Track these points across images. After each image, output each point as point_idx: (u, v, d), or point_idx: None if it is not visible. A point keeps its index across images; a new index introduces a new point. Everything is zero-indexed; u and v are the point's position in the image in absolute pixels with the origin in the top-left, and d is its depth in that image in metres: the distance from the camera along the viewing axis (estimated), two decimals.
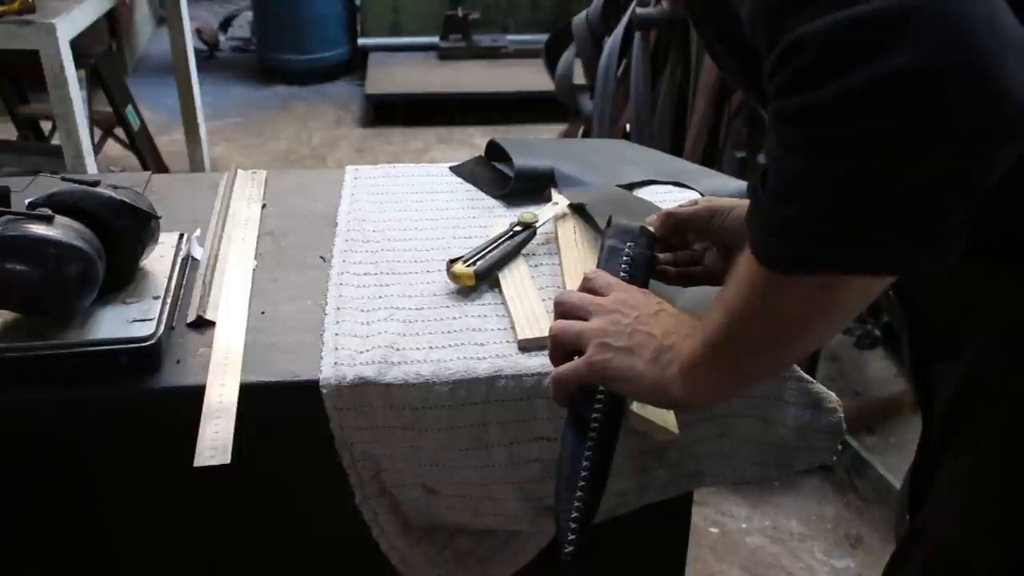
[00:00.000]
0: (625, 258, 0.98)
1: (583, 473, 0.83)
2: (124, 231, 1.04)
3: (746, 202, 1.01)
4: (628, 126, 2.43)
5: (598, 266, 0.98)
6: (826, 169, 0.60)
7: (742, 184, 1.37)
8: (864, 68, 0.56)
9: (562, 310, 0.88)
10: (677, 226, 1.04)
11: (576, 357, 0.84)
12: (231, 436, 0.93)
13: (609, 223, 1.05)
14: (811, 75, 0.59)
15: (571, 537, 0.82)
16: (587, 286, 0.89)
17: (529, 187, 1.32)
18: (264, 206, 1.32)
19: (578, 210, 1.25)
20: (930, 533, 0.83)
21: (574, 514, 0.82)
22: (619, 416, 0.87)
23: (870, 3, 0.57)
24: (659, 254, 1.04)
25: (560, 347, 0.86)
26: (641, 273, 0.97)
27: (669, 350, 0.79)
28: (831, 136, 0.59)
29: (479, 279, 1.11)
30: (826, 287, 0.65)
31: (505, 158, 1.37)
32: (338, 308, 1.08)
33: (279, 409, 1.01)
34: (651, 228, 1.03)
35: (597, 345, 0.81)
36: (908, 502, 0.89)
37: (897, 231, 0.61)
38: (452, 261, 1.13)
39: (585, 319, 0.84)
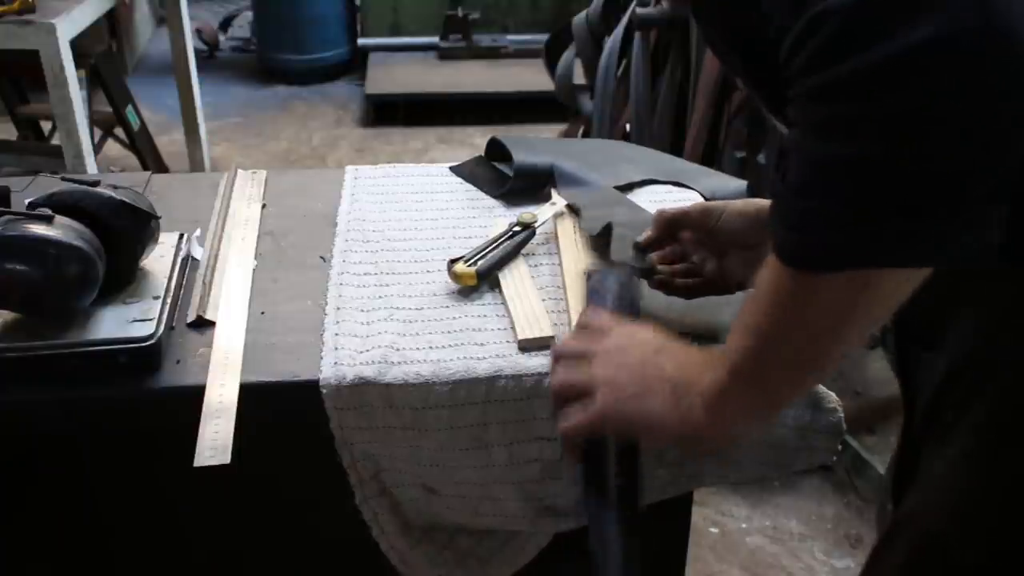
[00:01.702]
0: (611, 295, 0.94)
1: (619, 546, 0.77)
2: (124, 231, 1.04)
3: (738, 201, 1.02)
4: (628, 126, 2.43)
5: (586, 305, 0.95)
6: (851, 149, 0.58)
7: (742, 184, 1.37)
8: (888, 41, 0.55)
9: (562, 360, 0.82)
10: (669, 224, 1.02)
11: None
12: (231, 436, 0.93)
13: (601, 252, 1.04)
14: (834, 50, 0.57)
15: None
16: (583, 330, 0.85)
17: (529, 185, 1.32)
18: (264, 206, 1.32)
19: (577, 211, 1.25)
20: (914, 524, 0.82)
21: None
22: (637, 468, 0.81)
23: None
24: (658, 266, 1.03)
25: (564, 402, 0.80)
26: (629, 306, 0.94)
27: (688, 387, 0.74)
28: (856, 111, 0.57)
29: (480, 279, 1.11)
30: (856, 287, 0.62)
31: (505, 158, 1.37)
32: (338, 308, 1.08)
33: (279, 409, 1.01)
34: (641, 240, 1.03)
35: (607, 394, 0.76)
36: (891, 491, 0.88)
37: (931, 216, 0.58)
38: (453, 261, 1.13)
39: (587, 366, 0.79)
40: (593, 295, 0.96)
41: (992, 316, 0.74)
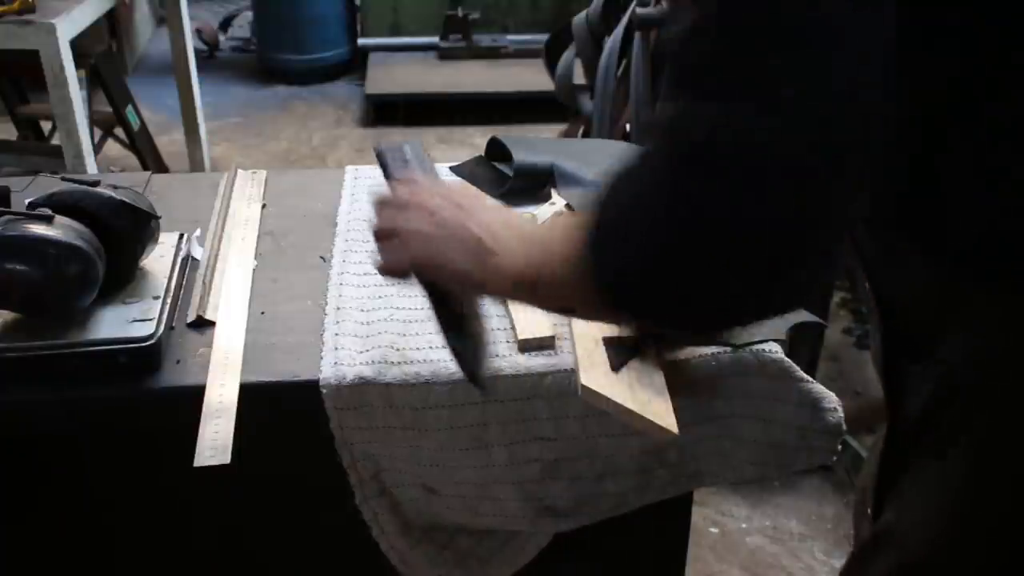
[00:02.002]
0: (414, 159, 0.99)
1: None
2: (124, 231, 1.04)
3: None
4: (628, 126, 2.43)
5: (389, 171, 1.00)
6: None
7: None
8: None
9: (382, 208, 0.88)
10: None
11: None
12: (231, 436, 0.93)
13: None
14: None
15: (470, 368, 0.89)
16: (400, 185, 0.91)
17: (529, 185, 1.32)
18: (264, 206, 1.32)
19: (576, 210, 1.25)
20: (896, 539, 0.80)
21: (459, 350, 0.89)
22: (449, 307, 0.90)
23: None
24: None
25: (381, 244, 0.86)
26: (431, 168, 1.03)
27: (493, 256, 0.78)
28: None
29: None
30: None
31: (505, 158, 1.37)
32: (338, 308, 1.08)
33: (279, 409, 1.01)
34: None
35: (415, 239, 0.82)
36: (872, 498, 0.87)
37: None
38: None
39: (403, 215, 0.84)
40: (394, 162, 1.03)
41: (986, 341, 0.71)
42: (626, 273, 0.65)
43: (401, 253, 0.83)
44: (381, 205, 0.88)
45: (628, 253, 0.64)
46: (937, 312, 0.73)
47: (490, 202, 0.86)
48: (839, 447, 1.06)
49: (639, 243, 0.64)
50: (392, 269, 0.85)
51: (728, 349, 1.02)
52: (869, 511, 0.86)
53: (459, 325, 0.89)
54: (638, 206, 0.64)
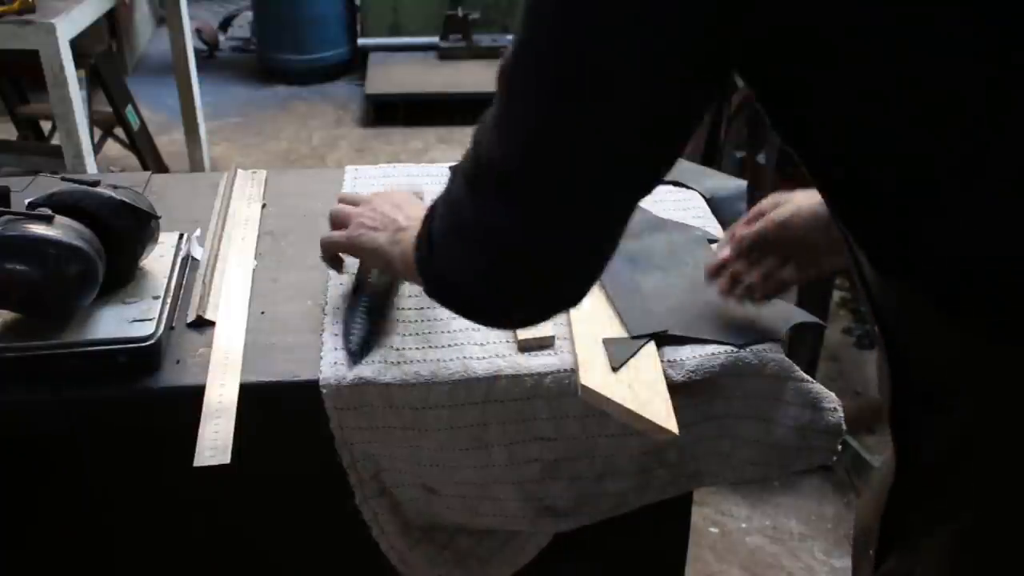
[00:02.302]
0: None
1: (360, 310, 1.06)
2: (124, 231, 1.04)
3: (810, 203, 1.01)
4: None
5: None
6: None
7: (742, 184, 1.37)
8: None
9: (341, 202, 1.10)
10: (749, 249, 1.05)
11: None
12: (231, 436, 0.93)
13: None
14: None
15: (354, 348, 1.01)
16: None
17: None
18: (264, 206, 1.32)
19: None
20: None
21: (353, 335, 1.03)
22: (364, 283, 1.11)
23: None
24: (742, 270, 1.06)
25: (331, 225, 1.08)
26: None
27: (403, 232, 0.95)
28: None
29: None
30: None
31: None
32: (338, 308, 1.08)
33: (279, 409, 1.01)
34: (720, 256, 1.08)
35: (355, 226, 1.02)
36: (877, 541, 0.81)
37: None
38: None
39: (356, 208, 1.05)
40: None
41: (1000, 396, 0.67)
42: (430, 276, 0.79)
43: (340, 234, 1.04)
44: (341, 201, 1.09)
45: (431, 263, 0.77)
46: (952, 365, 0.69)
47: (418, 203, 1.02)
48: (839, 447, 1.06)
49: (440, 255, 0.76)
50: (329, 244, 1.07)
51: (728, 349, 1.02)
52: (872, 553, 0.83)
53: (366, 306, 1.07)
54: (443, 223, 0.75)
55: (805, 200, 1.02)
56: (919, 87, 0.60)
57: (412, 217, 0.96)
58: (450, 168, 0.77)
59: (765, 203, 1.08)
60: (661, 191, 1.34)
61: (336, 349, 1.02)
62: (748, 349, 1.02)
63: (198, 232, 1.22)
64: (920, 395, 0.73)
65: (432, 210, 0.77)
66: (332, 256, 1.09)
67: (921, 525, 0.76)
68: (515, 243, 0.70)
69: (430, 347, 1.02)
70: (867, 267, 0.70)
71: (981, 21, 0.57)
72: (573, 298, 0.76)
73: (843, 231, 0.71)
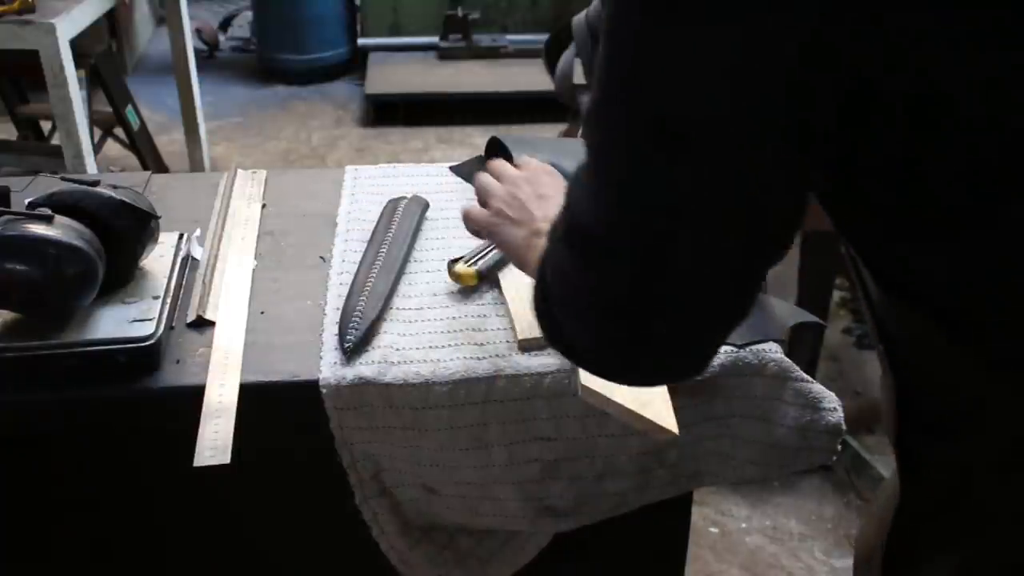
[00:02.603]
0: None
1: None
2: (124, 231, 1.04)
3: None
4: None
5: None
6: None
7: None
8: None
9: (495, 174, 1.05)
10: None
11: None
12: (231, 436, 0.93)
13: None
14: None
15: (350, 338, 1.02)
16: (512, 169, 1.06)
17: None
18: (264, 206, 1.32)
19: None
20: None
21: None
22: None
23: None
24: None
25: (476, 194, 1.05)
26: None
27: (537, 238, 0.90)
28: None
29: (480, 278, 1.11)
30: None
31: (505, 158, 1.37)
32: (338, 308, 1.08)
33: (279, 409, 1.01)
34: None
35: (495, 214, 0.99)
36: (880, 563, 0.79)
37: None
38: (453, 261, 1.13)
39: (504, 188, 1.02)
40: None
41: (1010, 432, 0.66)
42: (552, 337, 0.74)
43: (482, 215, 1.02)
44: (495, 169, 1.06)
45: (552, 326, 0.72)
46: (956, 390, 0.68)
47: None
48: (839, 447, 1.06)
49: (561, 323, 0.71)
50: (470, 220, 1.04)
51: (728, 349, 1.02)
52: None
53: (364, 305, 1.07)
54: (556, 290, 0.71)
55: None
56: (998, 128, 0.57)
57: (549, 219, 0.87)
58: (552, 232, 0.72)
59: None
60: None
61: (336, 349, 1.02)
62: (748, 349, 1.02)
63: (198, 232, 1.22)
64: (924, 418, 0.72)
65: (543, 269, 0.72)
66: (474, 232, 1.06)
67: (923, 550, 0.75)
68: (629, 309, 0.65)
69: (430, 347, 1.02)
70: (871, 285, 0.69)
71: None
72: (692, 370, 0.71)
73: (848, 249, 0.70)
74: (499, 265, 1.14)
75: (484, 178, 1.05)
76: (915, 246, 0.63)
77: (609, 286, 0.64)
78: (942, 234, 0.61)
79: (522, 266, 0.96)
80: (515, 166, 1.07)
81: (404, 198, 1.28)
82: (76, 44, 2.60)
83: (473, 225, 1.04)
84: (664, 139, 0.59)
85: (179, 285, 1.12)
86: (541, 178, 1.01)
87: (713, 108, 0.57)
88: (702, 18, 0.56)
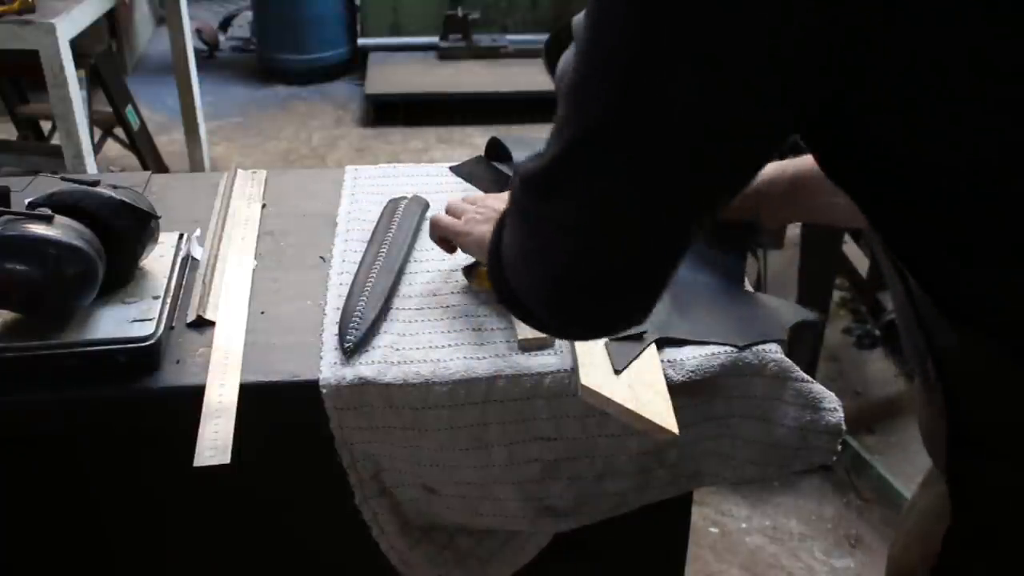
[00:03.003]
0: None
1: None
2: (124, 231, 1.04)
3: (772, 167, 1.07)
4: None
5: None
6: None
7: None
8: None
9: (462, 201, 1.12)
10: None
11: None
12: (231, 436, 0.93)
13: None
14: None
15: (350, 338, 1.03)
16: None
17: None
18: (264, 206, 1.32)
19: None
20: None
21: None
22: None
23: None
24: None
25: (446, 211, 1.12)
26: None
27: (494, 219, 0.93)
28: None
29: None
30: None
31: (505, 158, 1.37)
32: (338, 308, 1.08)
33: (279, 409, 1.01)
34: None
35: (466, 219, 1.06)
36: None
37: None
38: (470, 267, 1.12)
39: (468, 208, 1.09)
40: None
41: None
42: (505, 299, 0.78)
43: (451, 221, 1.08)
44: (454, 203, 1.12)
45: (504, 286, 0.76)
46: (1016, 412, 0.67)
47: None
48: (839, 447, 1.06)
49: (511, 280, 0.75)
50: (437, 226, 1.10)
51: (728, 349, 1.02)
52: None
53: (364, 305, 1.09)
54: (509, 253, 0.75)
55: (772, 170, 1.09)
56: None
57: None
58: (514, 172, 0.78)
59: None
60: None
61: (336, 349, 1.02)
62: (748, 349, 1.02)
63: (198, 232, 1.22)
64: (981, 441, 0.70)
65: (502, 218, 0.76)
66: (440, 238, 1.11)
67: (976, 574, 0.74)
68: (573, 255, 0.68)
69: (430, 347, 1.02)
70: (925, 306, 0.68)
71: None
72: (636, 315, 0.74)
73: (903, 271, 0.69)
74: None
75: (453, 200, 1.12)
76: (987, 272, 0.63)
77: (564, 223, 0.67)
78: (1014, 260, 0.61)
79: (479, 245, 1.00)
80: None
81: (404, 198, 1.28)
82: (76, 44, 2.60)
83: (439, 229, 1.09)
84: (648, 75, 0.59)
85: (179, 285, 1.12)
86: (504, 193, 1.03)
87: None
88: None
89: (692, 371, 1.00)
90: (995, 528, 0.72)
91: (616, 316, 0.74)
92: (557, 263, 0.69)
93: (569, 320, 0.75)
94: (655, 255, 0.68)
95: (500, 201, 1.02)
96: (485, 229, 0.97)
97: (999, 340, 0.65)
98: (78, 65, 2.63)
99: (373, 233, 1.21)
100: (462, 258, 1.18)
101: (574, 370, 0.98)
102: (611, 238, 0.66)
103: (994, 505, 0.71)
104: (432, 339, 1.04)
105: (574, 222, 0.67)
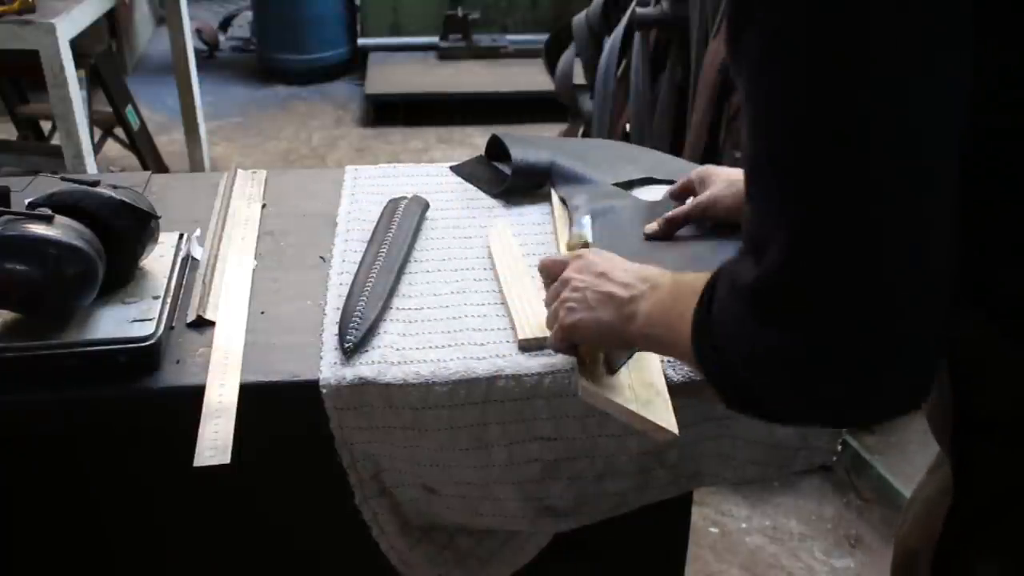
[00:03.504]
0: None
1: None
2: (124, 231, 1.04)
3: (732, 180, 1.13)
4: (628, 126, 2.43)
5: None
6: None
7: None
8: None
9: (546, 275, 1.00)
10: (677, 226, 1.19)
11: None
12: (231, 436, 0.93)
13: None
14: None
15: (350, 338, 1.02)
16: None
17: (527, 183, 1.33)
18: (264, 206, 1.32)
19: (568, 204, 1.27)
20: None
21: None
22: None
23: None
24: None
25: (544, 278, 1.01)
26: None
27: (630, 305, 0.86)
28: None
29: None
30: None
31: (506, 158, 1.37)
32: (338, 308, 1.08)
33: (279, 409, 1.01)
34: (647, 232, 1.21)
35: (565, 311, 0.92)
36: (930, 565, 0.79)
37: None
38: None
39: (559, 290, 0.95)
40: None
41: None
42: (737, 401, 0.70)
43: (555, 330, 0.93)
44: (547, 277, 0.99)
45: (736, 389, 0.69)
46: (1021, 396, 0.68)
47: (622, 264, 0.93)
48: (839, 447, 1.06)
49: (746, 383, 0.67)
50: (553, 345, 0.95)
51: None
52: None
53: (364, 305, 1.07)
54: (734, 349, 0.67)
55: (733, 175, 1.14)
56: None
57: (626, 284, 0.88)
58: (721, 274, 0.69)
59: (693, 175, 1.22)
60: (659, 190, 1.34)
61: (336, 349, 1.02)
62: None
63: (198, 232, 1.22)
64: (985, 420, 0.71)
65: (708, 314, 0.69)
66: (564, 348, 0.97)
67: (978, 552, 0.75)
68: (828, 370, 0.61)
69: (430, 347, 1.02)
70: None
71: None
72: (917, 396, 0.65)
73: None
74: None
75: (544, 266, 1.01)
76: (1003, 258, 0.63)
77: (806, 344, 0.61)
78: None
79: (626, 342, 0.91)
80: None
81: (404, 198, 1.28)
82: (76, 44, 2.60)
83: (555, 345, 0.96)
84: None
85: (179, 285, 1.12)
86: (587, 262, 0.95)
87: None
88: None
89: (692, 371, 1.00)
90: (995, 506, 0.73)
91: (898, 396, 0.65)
92: (820, 372, 0.62)
93: (833, 415, 0.68)
94: (934, 259, 0.61)
95: (588, 273, 0.92)
96: (604, 317, 0.88)
97: (996, 319, 0.66)
98: (78, 65, 2.64)
99: (373, 233, 1.21)
100: (462, 258, 1.18)
101: (574, 370, 0.98)
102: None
103: (995, 484, 0.72)
104: (432, 339, 1.04)
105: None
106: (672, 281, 0.83)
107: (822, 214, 0.59)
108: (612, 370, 0.96)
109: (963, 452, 0.74)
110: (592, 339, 0.92)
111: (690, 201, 1.21)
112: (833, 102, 0.58)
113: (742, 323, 0.65)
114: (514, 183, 1.32)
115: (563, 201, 1.28)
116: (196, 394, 0.97)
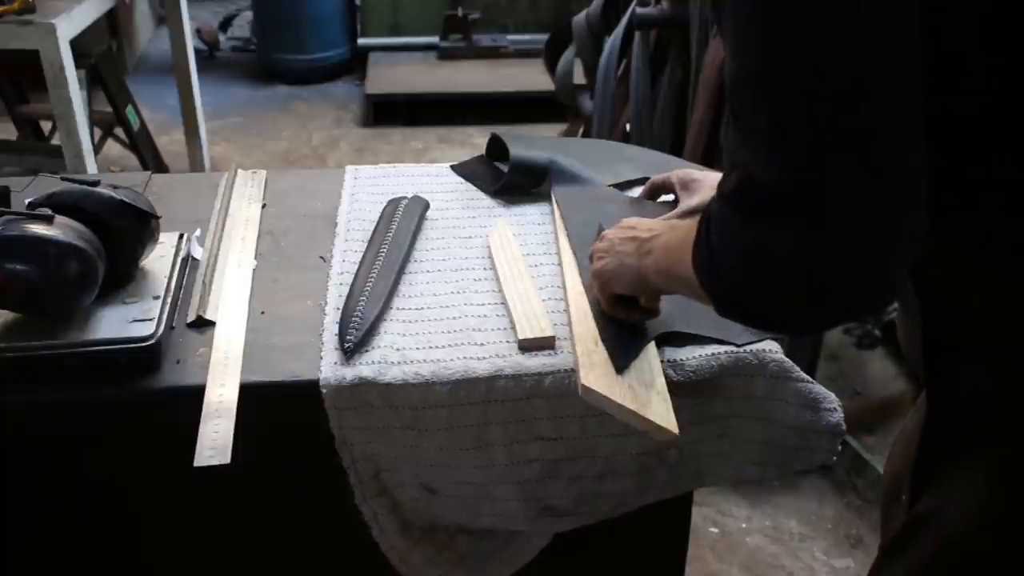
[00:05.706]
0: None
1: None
2: (124, 231, 1.04)
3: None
4: (628, 126, 2.43)
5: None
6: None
7: None
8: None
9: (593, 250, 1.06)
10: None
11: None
12: (231, 436, 0.93)
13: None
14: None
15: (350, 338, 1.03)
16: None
17: (525, 181, 1.33)
18: (264, 206, 1.32)
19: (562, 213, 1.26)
20: (938, 520, 0.80)
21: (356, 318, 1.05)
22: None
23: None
24: None
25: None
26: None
27: (648, 243, 0.92)
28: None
29: None
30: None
31: (506, 157, 1.37)
32: (338, 308, 1.08)
33: (279, 409, 1.01)
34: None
35: (596, 260, 1.00)
36: (909, 485, 0.84)
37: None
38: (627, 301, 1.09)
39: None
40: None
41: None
42: (723, 297, 0.76)
43: (592, 274, 1.02)
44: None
45: (722, 284, 0.74)
46: (981, 306, 0.73)
47: (649, 222, 1.00)
48: (839, 447, 1.06)
49: (728, 278, 0.73)
50: (598, 293, 1.03)
51: (729, 349, 1.02)
52: (904, 498, 0.85)
53: (364, 305, 1.07)
54: (722, 248, 0.72)
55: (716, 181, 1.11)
56: None
57: (651, 228, 0.95)
58: (714, 198, 0.74)
59: (673, 177, 1.24)
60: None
61: (336, 349, 1.02)
62: (748, 349, 1.02)
63: (198, 232, 1.22)
64: (950, 337, 0.77)
65: (706, 226, 0.74)
66: (612, 306, 1.03)
67: (951, 463, 0.79)
68: (811, 265, 0.66)
69: (430, 347, 1.02)
70: None
71: None
72: (881, 300, 0.71)
73: None
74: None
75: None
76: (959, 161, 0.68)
77: (794, 240, 0.66)
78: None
79: (640, 275, 0.95)
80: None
81: (404, 198, 1.28)
82: (76, 44, 2.60)
83: (598, 293, 1.04)
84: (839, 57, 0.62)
85: (179, 285, 1.12)
86: (621, 224, 1.02)
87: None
88: None
89: (692, 371, 1.00)
90: (964, 412, 0.78)
91: (864, 296, 0.70)
92: (802, 265, 0.67)
93: (812, 317, 0.73)
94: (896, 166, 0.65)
95: (619, 230, 0.99)
96: (623, 255, 0.96)
97: (958, 233, 0.71)
98: (78, 65, 2.64)
99: (373, 233, 1.21)
100: (462, 258, 1.18)
101: (574, 370, 0.98)
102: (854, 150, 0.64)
103: (961, 395, 0.77)
104: (432, 339, 1.04)
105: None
106: (693, 222, 0.86)
107: (805, 114, 0.64)
108: (614, 370, 0.96)
109: (933, 366, 0.79)
110: (615, 280, 0.98)
111: (680, 207, 1.20)
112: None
113: (730, 224, 0.70)
114: (512, 180, 1.32)
115: (559, 204, 1.28)
116: (196, 394, 0.97)
